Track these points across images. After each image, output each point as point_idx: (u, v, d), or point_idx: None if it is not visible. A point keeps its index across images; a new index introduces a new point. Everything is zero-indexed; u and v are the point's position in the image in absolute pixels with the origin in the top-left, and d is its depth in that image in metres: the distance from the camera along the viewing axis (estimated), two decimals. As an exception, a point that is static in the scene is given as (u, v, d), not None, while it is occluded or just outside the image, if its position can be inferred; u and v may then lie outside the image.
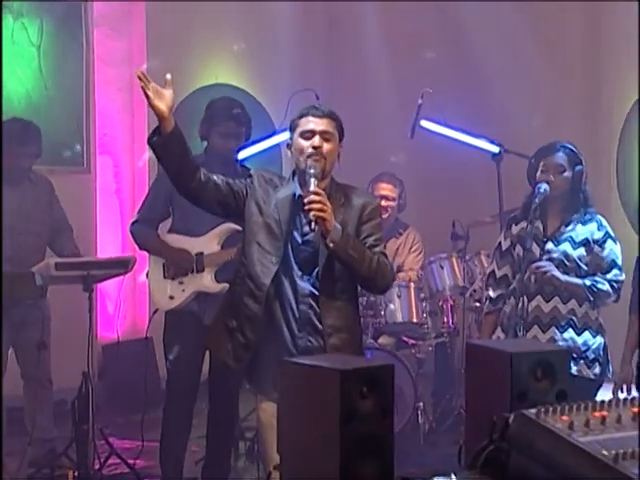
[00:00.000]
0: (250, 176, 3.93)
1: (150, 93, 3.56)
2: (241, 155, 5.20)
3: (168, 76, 3.61)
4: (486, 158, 5.64)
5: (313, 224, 3.60)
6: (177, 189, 3.87)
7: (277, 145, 5.86)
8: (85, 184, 7.18)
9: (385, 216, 5.95)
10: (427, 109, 5.91)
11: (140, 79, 3.56)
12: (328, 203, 3.63)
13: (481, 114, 7.45)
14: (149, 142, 3.67)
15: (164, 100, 3.58)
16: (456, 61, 8.24)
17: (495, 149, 5.62)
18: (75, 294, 5.14)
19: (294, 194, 3.83)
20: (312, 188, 3.64)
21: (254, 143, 5.40)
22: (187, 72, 7.49)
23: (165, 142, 3.64)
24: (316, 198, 3.60)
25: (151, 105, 3.58)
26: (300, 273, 3.81)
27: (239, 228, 4.86)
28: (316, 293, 3.79)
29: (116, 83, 7.48)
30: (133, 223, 5.14)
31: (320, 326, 3.79)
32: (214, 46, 8.02)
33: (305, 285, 3.80)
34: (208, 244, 4.97)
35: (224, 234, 4.95)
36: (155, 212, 5.09)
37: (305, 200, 3.63)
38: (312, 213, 3.58)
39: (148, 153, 7.48)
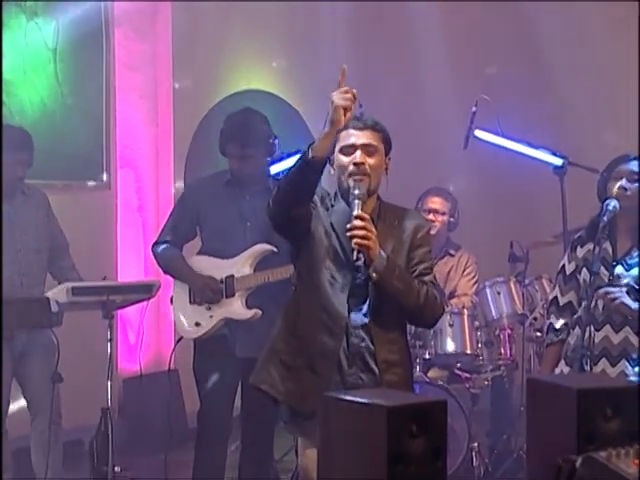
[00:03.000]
0: None
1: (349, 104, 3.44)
2: (275, 169, 5.23)
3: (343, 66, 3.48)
4: (548, 172, 5.63)
5: (355, 253, 3.56)
6: (281, 214, 3.64)
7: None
8: (105, 200, 7.21)
9: (433, 232, 5.90)
10: (483, 118, 5.91)
11: (343, 74, 3.45)
12: (373, 229, 3.61)
13: (544, 126, 7.42)
14: (304, 156, 3.52)
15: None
16: (518, 66, 8.23)
17: (558, 161, 5.61)
18: (93, 321, 5.17)
19: (349, 215, 3.71)
20: (356, 212, 3.60)
21: (290, 156, 5.39)
22: (217, 79, 7.53)
23: (317, 164, 3.52)
24: (359, 224, 3.57)
25: (336, 114, 3.46)
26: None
27: (273, 249, 4.90)
28: (367, 325, 3.73)
29: (139, 90, 7.51)
30: (156, 244, 5.17)
31: (372, 362, 3.73)
32: (247, 49, 8.02)
33: (356, 316, 3.73)
34: (239, 266, 4.99)
35: (258, 256, 4.98)
36: (180, 233, 5.13)
37: (347, 226, 3.59)
38: (355, 241, 3.55)
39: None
